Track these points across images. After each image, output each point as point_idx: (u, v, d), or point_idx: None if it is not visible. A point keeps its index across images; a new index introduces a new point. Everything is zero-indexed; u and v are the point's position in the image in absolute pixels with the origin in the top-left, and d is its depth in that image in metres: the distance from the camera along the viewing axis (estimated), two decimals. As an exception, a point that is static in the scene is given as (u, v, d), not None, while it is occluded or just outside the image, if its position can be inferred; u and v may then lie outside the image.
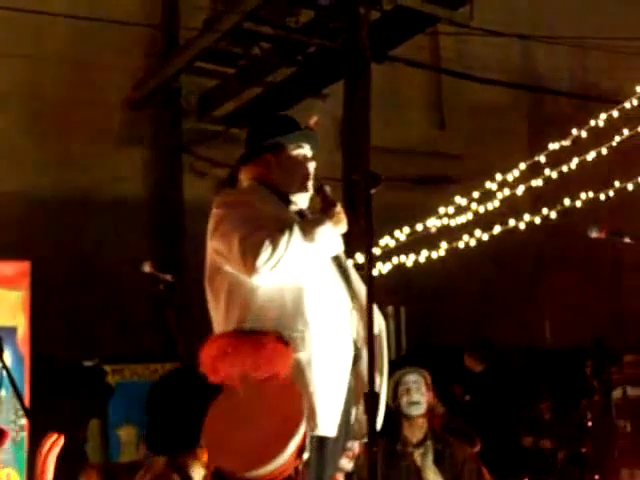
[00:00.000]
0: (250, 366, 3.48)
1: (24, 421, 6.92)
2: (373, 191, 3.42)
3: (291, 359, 3.56)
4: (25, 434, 7.10)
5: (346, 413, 3.76)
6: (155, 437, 3.71)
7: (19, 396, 3.85)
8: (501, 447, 8.12)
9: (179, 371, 4.17)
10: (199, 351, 3.73)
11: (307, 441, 3.32)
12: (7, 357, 7.18)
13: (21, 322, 7.50)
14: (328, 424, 3.64)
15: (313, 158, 4.05)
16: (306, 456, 3.33)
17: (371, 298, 3.34)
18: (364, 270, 3.49)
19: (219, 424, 3.30)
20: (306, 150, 4.03)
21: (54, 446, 3.37)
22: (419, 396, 5.74)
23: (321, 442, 3.65)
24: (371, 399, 3.21)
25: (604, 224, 5.58)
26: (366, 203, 3.40)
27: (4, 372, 3.71)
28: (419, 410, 5.73)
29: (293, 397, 3.35)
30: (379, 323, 3.97)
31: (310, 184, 4.00)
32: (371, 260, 3.37)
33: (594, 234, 5.56)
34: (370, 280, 3.40)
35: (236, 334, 3.63)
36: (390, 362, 4.02)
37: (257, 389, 3.40)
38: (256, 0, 10.51)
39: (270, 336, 3.56)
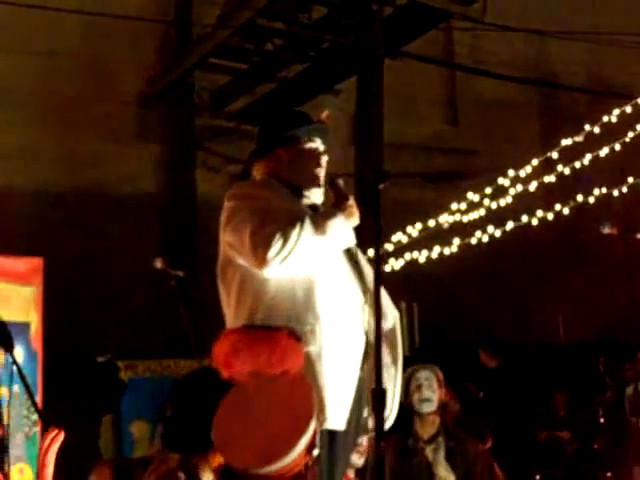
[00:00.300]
0: (263, 362, 3.49)
1: (36, 416, 6.93)
2: (382, 187, 3.41)
3: (302, 355, 3.56)
4: (38, 429, 7.11)
5: (357, 408, 3.75)
6: (173, 434, 3.71)
7: (30, 392, 3.85)
8: (515, 443, 8.12)
9: (207, 369, 4.17)
10: (211, 347, 3.74)
11: (317, 437, 3.32)
12: (20, 353, 7.25)
13: (34, 318, 7.52)
14: (337, 418, 3.64)
15: (326, 151, 4.04)
16: (316, 452, 3.33)
17: (379, 293, 3.33)
18: (373, 265, 3.48)
19: (229, 420, 3.30)
20: (318, 144, 4.02)
21: (54, 441, 3.38)
22: (430, 393, 5.73)
23: (331, 436, 3.64)
24: (378, 395, 3.20)
25: (616, 220, 5.57)
26: (374, 199, 3.39)
27: (15, 368, 3.72)
28: (430, 407, 5.72)
29: (304, 393, 3.35)
30: (394, 316, 3.98)
31: (322, 178, 4.00)
32: (379, 255, 3.36)
33: (606, 230, 5.56)
34: (378, 275, 3.39)
35: (248, 330, 3.64)
36: (403, 358, 4.02)
37: (268, 385, 3.40)
38: (269, -4, 10.52)
39: (283, 332, 3.57)
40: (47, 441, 3.37)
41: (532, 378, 8.93)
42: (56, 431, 3.40)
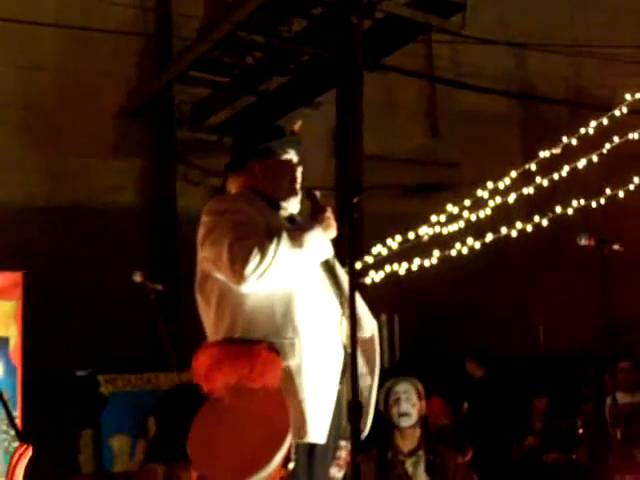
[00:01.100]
0: (244, 376, 3.48)
1: (15, 431, 6.90)
2: (356, 200, 3.42)
3: (280, 369, 3.56)
4: (17, 444, 7.08)
5: (336, 421, 3.75)
6: (157, 447, 3.71)
7: (7, 407, 3.84)
8: (496, 454, 8.14)
9: (190, 384, 4.17)
10: (191, 360, 3.73)
11: (292, 451, 3.32)
12: (-1, 368, 7.23)
13: (13, 333, 7.50)
14: (318, 431, 3.64)
15: (300, 162, 4.04)
16: (291, 466, 3.33)
17: (353, 304, 3.34)
18: (348, 277, 3.49)
19: (204, 434, 3.30)
20: (291, 155, 4.02)
21: (23, 457, 3.38)
22: (409, 406, 5.71)
23: (311, 449, 3.64)
24: (354, 408, 3.20)
25: (593, 231, 5.59)
26: (349, 212, 3.40)
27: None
28: (409, 421, 5.71)
29: (279, 407, 3.35)
30: (371, 326, 3.98)
31: (298, 187, 4.00)
32: (354, 269, 3.37)
33: (583, 241, 5.57)
34: (353, 287, 3.40)
35: (228, 343, 3.64)
36: (384, 371, 4.03)
37: (244, 399, 3.40)
38: (249, 9, 10.52)
39: (262, 345, 3.57)
40: (16, 456, 3.37)
41: (515, 389, 8.97)
42: (24, 447, 3.39)
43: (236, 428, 3.24)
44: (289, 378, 3.60)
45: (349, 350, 3.61)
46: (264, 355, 3.53)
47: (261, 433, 3.19)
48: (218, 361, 3.57)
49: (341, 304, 3.82)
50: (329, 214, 3.80)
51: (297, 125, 4.11)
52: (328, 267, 3.89)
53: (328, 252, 3.81)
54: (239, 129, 4.30)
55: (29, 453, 3.37)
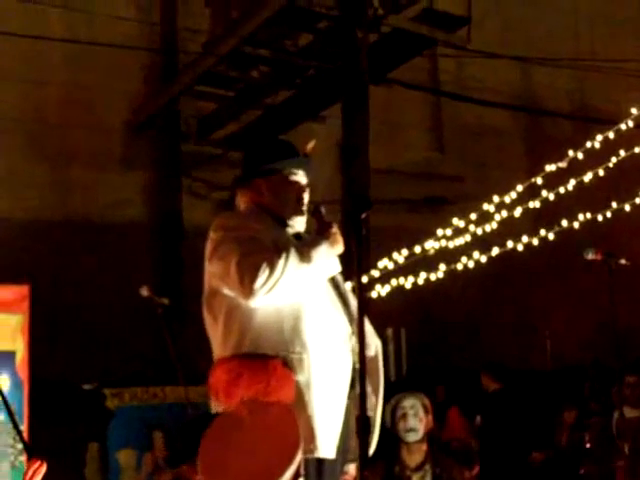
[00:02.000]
0: (260, 390, 3.49)
1: (22, 445, 6.90)
2: (364, 215, 3.42)
3: (294, 385, 3.56)
4: (24, 458, 7.08)
5: (345, 435, 3.75)
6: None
7: (14, 421, 3.85)
8: (507, 468, 8.14)
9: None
10: (203, 375, 3.73)
11: (302, 466, 3.32)
12: (6, 381, 7.23)
13: (20, 346, 7.51)
14: (327, 446, 3.63)
15: (308, 184, 4.04)
16: None
17: (362, 320, 3.34)
18: (357, 292, 3.49)
19: (216, 447, 3.30)
20: (299, 177, 4.01)
21: (37, 473, 3.37)
22: (416, 422, 5.69)
23: (320, 464, 3.64)
24: (361, 422, 3.20)
25: (599, 245, 5.59)
26: (357, 227, 3.39)
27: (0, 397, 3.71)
28: (416, 437, 5.68)
29: (291, 422, 3.35)
30: (375, 345, 3.98)
31: (304, 207, 3.99)
32: (362, 284, 3.37)
33: (590, 256, 5.57)
34: (361, 303, 3.40)
35: (244, 357, 3.64)
36: (390, 384, 4.02)
37: (257, 413, 3.40)
38: (254, 24, 10.54)
39: (278, 361, 3.57)
40: (30, 472, 3.36)
41: (535, 402, 8.96)
42: (39, 462, 3.38)
43: (248, 442, 3.24)
44: (298, 393, 3.60)
45: (357, 366, 3.61)
46: (280, 371, 3.54)
47: (273, 448, 3.19)
48: (236, 376, 3.57)
49: (349, 321, 3.82)
50: (335, 230, 3.81)
51: (310, 146, 4.10)
52: (335, 284, 3.90)
53: (335, 268, 3.81)
54: (252, 144, 4.28)
55: (43, 469, 3.36)
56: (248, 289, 3.58)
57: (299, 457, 3.23)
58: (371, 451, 3.82)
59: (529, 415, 8.63)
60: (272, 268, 3.57)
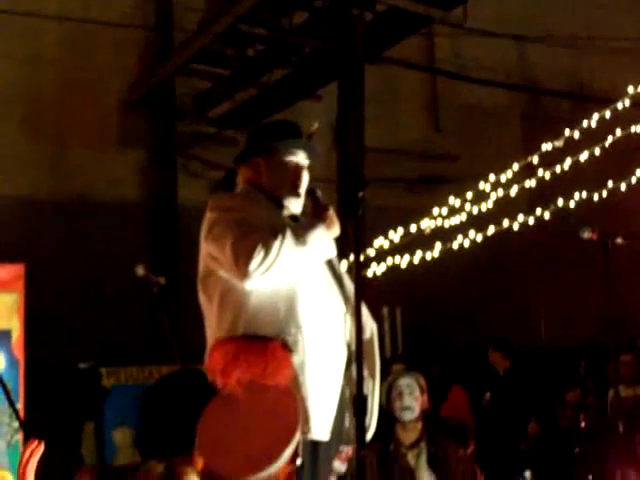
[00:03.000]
0: (258, 372, 3.49)
1: (18, 424, 6.91)
2: (361, 194, 3.41)
3: (293, 367, 3.56)
4: (20, 437, 7.09)
5: (340, 417, 3.75)
6: (149, 440, 3.69)
7: (10, 399, 3.84)
8: (502, 446, 8.17)
9: (176, 374, 4.16)
10: (199, 354, 3.73)
11: (300, 447, 3.33)
12: (1, 360, 7.24)
13: (16, 325, 7.50)
14: (321, 428, 3.64)
15: (307, 166, 4.03)
16: (299, 462, 3.33)
17: (359, 301, 3.34)
18: (354, 272, 3.48)
19: (215, 427, 3.30)
20: (299, 158, 3.99)
21: (34, 453, 3.37)
22: (411, 400, 5.71)
23: (314, 446, 3.65)
24: (358, 403, 3.20)
25: (595, 224, 5.59)
26: (354, 207, 3.39)
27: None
28: (411, 415, 5.71)
29: (289, 404, 3.35)
30: (371, 328, 3.97)
31: (301, 190, 3.98)
32: (359, 263, 3.36)
33: (586, 235, 5.57)
34: (359, 283, 3.40)
35: (244, 339, 3.63)
36: (386, 362, 4.03)
37: (255, 394, 3.40)
38: (250, 2, 10.49)
39: (277, 343, 3.57)
40: (27, 453, 3.36)
41: (540, 381, 8.98)
42: (36, 442, 3.38)
43: (247, 423, 3.24)
44: (292, 374, 3.61)
45: (352, 348, 3.62)
46: (278, 353, 3.54)
47: (271, 429, 3.20)
48: (234, 357, 3.57)
49: (344, 303, 3.82)
50: (331, 213, 3.80)
51: (313, 128, 4.09)
52: (330, 265, 3.89)
53: (331, 251, 3.81)
54: (255, 124, 4.27)
55: (41, 449, 3.36)
56: (243, 271, 3.58)
57: (297, 438, 3.23)
58: (369, 435, 3.82)
59: (536, 394, 8.65)
60: (267, 250, 3.57)
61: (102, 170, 12.03)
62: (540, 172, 9.35)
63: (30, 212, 11.27)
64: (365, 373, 3.80)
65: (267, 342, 3.58)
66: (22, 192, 11.38)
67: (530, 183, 9.41)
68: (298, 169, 3.99)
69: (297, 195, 3.97)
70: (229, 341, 3.67)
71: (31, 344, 7.62)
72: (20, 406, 7.08)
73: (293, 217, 3.95)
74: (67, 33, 11.73)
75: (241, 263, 3.58)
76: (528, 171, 9.57)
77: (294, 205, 3.98)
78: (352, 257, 3.37)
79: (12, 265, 7.69)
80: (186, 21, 12.16)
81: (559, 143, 9.22)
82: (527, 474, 7.46)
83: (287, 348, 3.58)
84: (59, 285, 10.79)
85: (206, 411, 3.37)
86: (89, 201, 11.87)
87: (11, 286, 7.59)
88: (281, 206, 3.95)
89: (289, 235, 3.63)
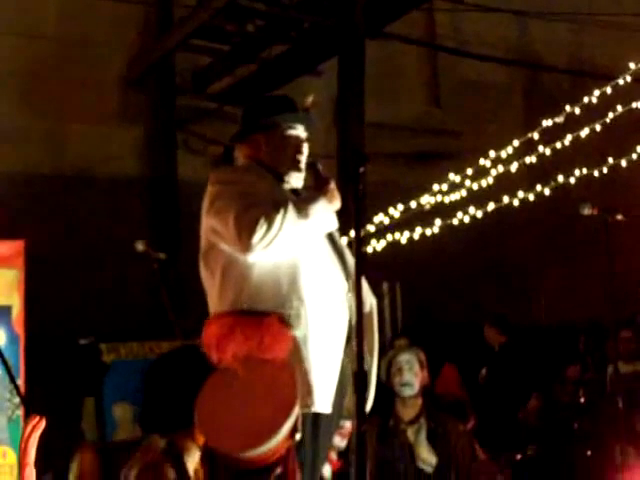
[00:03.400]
0: (254, 347, 3.49)
1: (18, 399, 6.92)
2: (362, 170, 3.41)
3: (290, 341, 3.57)
4: (20, 412, 7.10)
5: (340, 391, 3.77)
6: (151, 416, 3.70)
7: (11, 375, 3.86)
8: (501, 422, 8.19)
9: (179, 350, 4.17)
10: (200, 329, 3.74)
11: (299, 422, 3.33)
12: (1, 336, 7.25)
13: (16, 301, 7.50)
14: (323, 401, 3.66)
15: (307, 139, 4.02)
16: (298, 437, 3.34)
17: (359, 276, 3.33)
18: (354, 248, 3.48)
19: (213, 403, 3.31)
20: (299, 131, 4.00)
21: (36, 429, 3.38)
22: (411, 376, 5.73)
23: (316, 419, 3.66)
24: (359, 378, 3.21)
25: (595, 201, 5.58)
26: (355, 182, 3.38)
27: (-4, 351, 3.72)
28: (411, 391, 5.73)
29: (288, 378, 3.36)
30: (370, 302, 3.98)
31: (302, 164, 3.98)
32: (360, 238, 3.36)
33: (586, 211, 5.57)
34: (359, 258, 3.39)
35: (240, 313, 3.64)
36: (386, 338, 4.03)
37: (254, 369, 3.41)
38: (250, -24, 10.47)
39: (274, 317, 3.57)
40: (29, 428, 3.37)
41: (539, 357, 9.00)
42: (37, 418, 3.39)
43: (245, 398, 3.25)
44: (295, 348, 3.62)
45: (353, 321, 3.61)
46: (275, 327, 3.55)
47: (270, 403, 3.21)
48: (230, 331, 3.58)
49: (346, 277, 3.83)
50: (333, 186, 3.81)
51: (309, 100, 4.08)
52: (332, 239, 3.90)
53: (333, 224, 3.81)
54: (251, 100, 4.27)
55: (42, 425, 3.37)
56: (246, 244, 3.59)
57: (296, 412, 3.24)
58: (367, 408, 3.83)
59: (532, 370, 8.67)
60: (270, 223, 3.57)
61: (102, 146, 11.99)
62: (540, 148, 9.32)
63: (30, 188, 11.25)
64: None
65: (263, 317, 3.58)
66: (22, 168, 11.35)
67: (530, 159, 9.39)
68: (298, 143, 3.99)
69: (298, 169, 3.98)
70: (225, 315, 3.68)
71: (31, 320, 7.63)
72: (20, 382, 7.09)
73: (294, 191, 3.95)
74: (66, 8, 11.68)
75: (244, 236, 3.58)
76: (528, 147, 9.54)
77: (295, 179, 3.99)
78: (353, 233, 3.36)
79: (12, 241, 7.69)
80: (186, -4, 12.10)
81: (560, 119, 9.19)
82: (529, 452, 7.49)
83: (284, 322, 3.58)
84: (59, 261, 10.78)
85: (204, 387, 3.37)
86: (89, 177, 11.84)
87: (11, 262, 7.59)
88: (282, 180, 3.95)
89: (291, 208, 3.63)
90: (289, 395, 3.25)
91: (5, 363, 3.86)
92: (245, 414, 3.20)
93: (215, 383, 3.39)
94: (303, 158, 3.99)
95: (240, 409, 3.22)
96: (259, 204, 3.65)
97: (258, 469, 3.16)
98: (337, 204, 3.80)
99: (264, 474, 3.18)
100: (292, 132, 3.98)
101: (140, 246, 6.39)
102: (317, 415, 3.65)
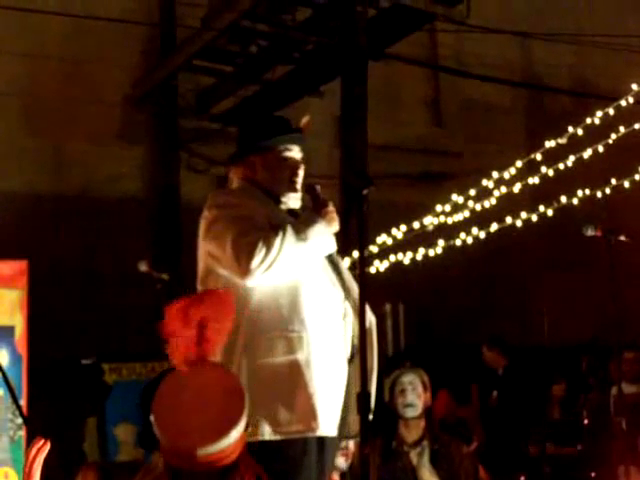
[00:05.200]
0: (212, 316, 3.40)
1: (21, 420, 6.91)
2: (365, 192, 3.40)
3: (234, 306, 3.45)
4: (23, 433, 7.10)
5: (343, 412, 3.75)
6: (150, 434, 3.68)
7: (14, 395, 3.84)
8: (505, 444, 8.16)
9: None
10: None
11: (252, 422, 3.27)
12: (5, 356, 7.25)
13: (19, 321, 7.51)
14: (328, 424, 3.64)
15: (303, 159, 4.01)
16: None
17: (363, 298, 3.32)
18: (357, 269, 3.47)
19: (167, 405, 3.28)
20: (294, 152, 3.98)
21: (40, 451, 3.34)
22: (414, 397, 5.70)
23: (321, 442, 3.64)
24: (363, 400, 3.19)
25: (598, 222, 5.58)
26: (359, 204, 3.38)
27: (-1, 371, 3.71)
28: (414, 412, 5.70)
29: (228, 373, 3.30)
30: (370, 321, 3.97)
31: (299, 185, 3.97)
32: (363, 260, 3.35)
33: (590, 232, 5.57)
34: (362, 280, 3.38)
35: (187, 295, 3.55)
36: (388, 360, 4.02)
37: (198, 370, 3.36)
38: (253, -2, 10.50)
39: (219, 290, 3.46)
40: (33, 451, 3.34)
41: (533, 378, 8.98)
42: (42, 441, 3.36)
43: (194, 401, 3.21)
44: (298, 371, 3.59)
45: (355, 342, 3.60)
46: (225, 297, 3.45)
47: (219, 403, 3.17)
48: (182, 312, 3.48)
49: (346, 298, 3.81)
50: (331, 208, 3.79)
51: (304, 121, 4.07)
52: (331, 261, 3.88)
53: (331, 247, 3.79)
54: (246, 121, 4.25)
55: (47, 448, 3.35)
56: (245, 269, 3.56)
57: (246, 409, 3.20)
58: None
59: (528, 391, 8.66)
60: (269, 247, 3.55)
61: (105, 166, 12.03)
62: (543, 169, 9.33)
63: (33, 208, 11.27)
64: None
65: (211, 290, 3.48)
66: (24, 188, 11.38)
67: (533, 180, 9.40)
68: (295, 164, 3.97)
69: (295, 190, 3.96)
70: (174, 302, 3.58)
71: (34, 340, 7.63)
72: (23, 402, 7.09)
73: (291, 212, 3.93)
74: (70, 29, 11.71)
75: (242, 261, 3.56)
76: (531, 168, 9.55)
77: (292, 200, 3.97)
78: (356, 254, 3.36)
79: (15, 261, 7.70)
80: (189, 17, 12.15)
81: (562, 140, 9.21)
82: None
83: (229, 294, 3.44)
84: (62, 281, 10.79)
85: (158, 390, 3.33)
86: (92, 197, 11.86)
87: (14, 282, 7.60)
88: (279, 202, 3.93)
89: (289, 231, 3.61)
90: (235, 388, 3.20)
91: (8, 384, 3.85)
92: (198, 413, 3.17)
93: (166, 389, 3.36)
94: (299, 179, 3.97)
95: (192, 408, 3.19)
96: (256, 228, 3.62)
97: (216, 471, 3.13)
98: (335, 227, 3.78)
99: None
100: (288, 154, 3.95)
101: (143, 266, 6.40)
102: (322, 439, 3.64)
